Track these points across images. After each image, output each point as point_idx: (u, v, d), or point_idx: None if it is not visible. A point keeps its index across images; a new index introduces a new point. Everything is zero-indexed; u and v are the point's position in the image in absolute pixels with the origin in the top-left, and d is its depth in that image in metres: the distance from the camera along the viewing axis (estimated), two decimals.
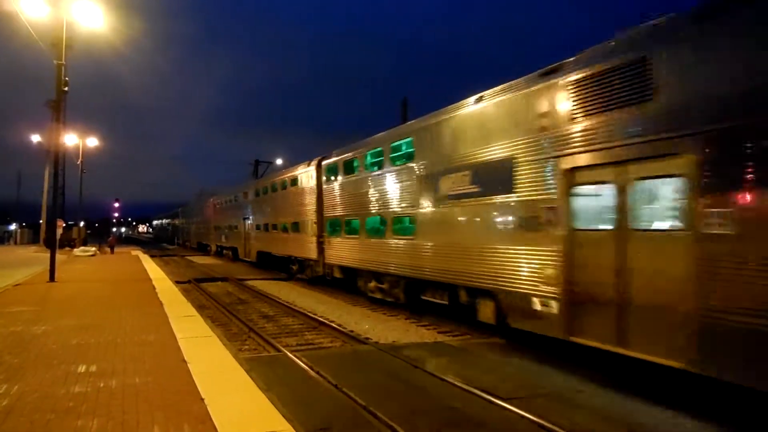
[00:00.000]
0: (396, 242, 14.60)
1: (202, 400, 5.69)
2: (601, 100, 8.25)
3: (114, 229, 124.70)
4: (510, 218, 10.25)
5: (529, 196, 9.68)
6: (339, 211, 18.79)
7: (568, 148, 8.83)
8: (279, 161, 53.88)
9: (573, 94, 8.79)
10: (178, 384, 6.29)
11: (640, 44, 7.78)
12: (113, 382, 6.33)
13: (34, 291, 15.28)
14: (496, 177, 10.54)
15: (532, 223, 9.57)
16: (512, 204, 10.12)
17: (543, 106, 9.47)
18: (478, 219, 11.24)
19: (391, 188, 15.05)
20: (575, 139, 8.70)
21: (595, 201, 8.68)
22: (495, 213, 10.64)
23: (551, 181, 9.16)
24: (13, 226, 72.78)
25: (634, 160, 7.69)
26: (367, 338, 11.74)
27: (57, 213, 28.74)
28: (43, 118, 56.81)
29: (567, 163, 8.83)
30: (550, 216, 9.17)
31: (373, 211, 16.09)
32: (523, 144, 9.88)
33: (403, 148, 14.64)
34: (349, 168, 18.19)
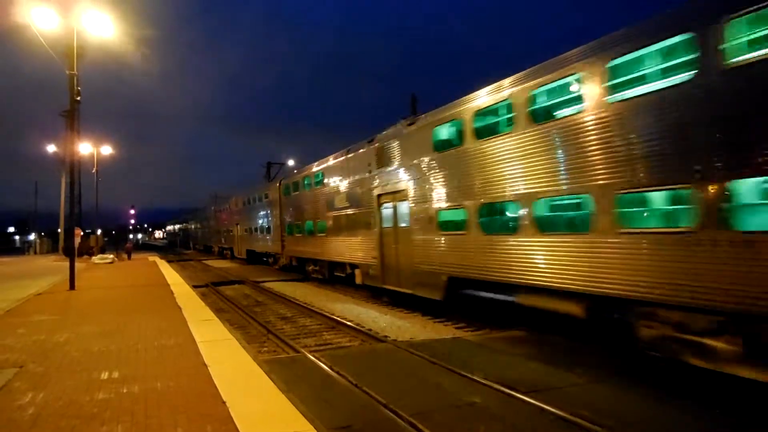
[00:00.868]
0: (320, 238, 21.80)
1: (224, 402, 5.74)
2: (386, 159, 15.68)
3: (131, 236, 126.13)
4: (360, 221, 17.62)
5: (367, 209, 17.07)
6: (292, 218, 26.38)
7: (376, 184, 16.31)
8: (291, 162, 54.10)
9: (377, 155, 16.30)
10: (200, 387, 6.35)
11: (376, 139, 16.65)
12: (135, 388, 6.41)
13: (55, 300, 15.51)
14: (355, 199, 18.10)
15: (368, 224, 16.96)
16: (361, 213, 17.57)
17: (368, 159, 17.04)
18: (350, 222, 18.58)
19: (313, 202, 22.88)
20: (378, 179, 16.26)
21: (388, 212, 15.77)
22: (355, 219, 18.08)
23: (373, 202, 16.48)
24: (32, 236, 73.87)
25: (393, 192, 15.23)
26: (385, 336, 11.75)
27: (74, 222, 29.13)
28: (57, 128, 57.65)
29: (377, 192, 16.31)
30: (373, 220, 16.53)
31: (308, 218, 23.71)
32: (361, 180, 17.57)
33: (319, 176, 22.20)
34: (295, 187, 26.01)
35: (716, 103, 6.75)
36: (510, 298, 10.80)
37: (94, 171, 44.89)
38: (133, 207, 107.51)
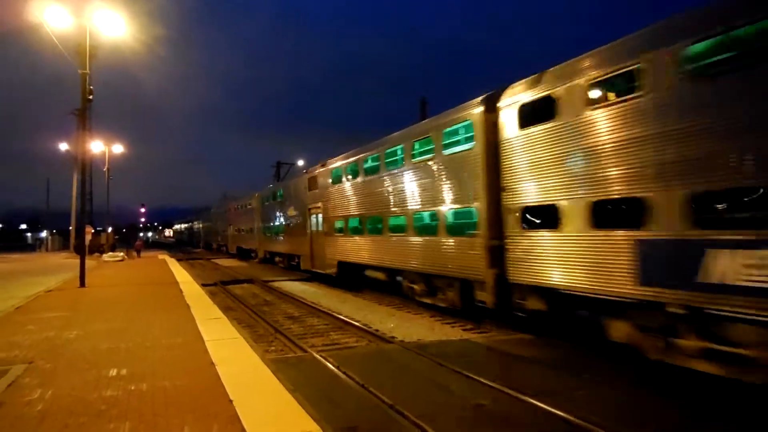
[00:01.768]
0: (280, 238, 30.80)
1: (231, 401, 5.74)
2: (312, 185, 23.90)
3: (141, 234, 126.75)
4: (301, 226, 25.64)
5: (304, 219, 25.17)
6: (265, 222, 35.19)
7: (308, 202, 24.46)
8: (300, 162, 54.30)
9: (309, 182, 24.46)
10: (207, 386, 6.37)
11: (308, 171, 26.47)
12: (143, 386, 6.43)
13: (65, 297, 15.63)
14: (298, 211, 26.52)
15: (305, 228, 24.99)
16: (302, 221, 25.69)
17: (304, 184, 25.33)
18: (297, 227, 26.83)
19: (276, 211, 32.02)
20: (309, 198, 24.41)
21: (314, 220, 23.61)
22: (299, 225, 26.19)
23: (306, 213, 24.62)
24: (44, 234, 74.45)
25: (315, 207, 23.42)
26: (393, 337, 11.73)
27: (86, 220, 29.34)
28: (69, 126, 58.07)
29: (308, 206, 24.45)
30: (307, 226, 24.58)
31: (273, 222, 32.54)
32: (302, 198, 25.73)
33: (280, 192, 31.39)
34: (266, 199, 35.40)
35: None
36: (364, 272, 19.04)
37: (105, 169, 45.18)
38: (143, 205, 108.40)
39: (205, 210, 72.73)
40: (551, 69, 10.27)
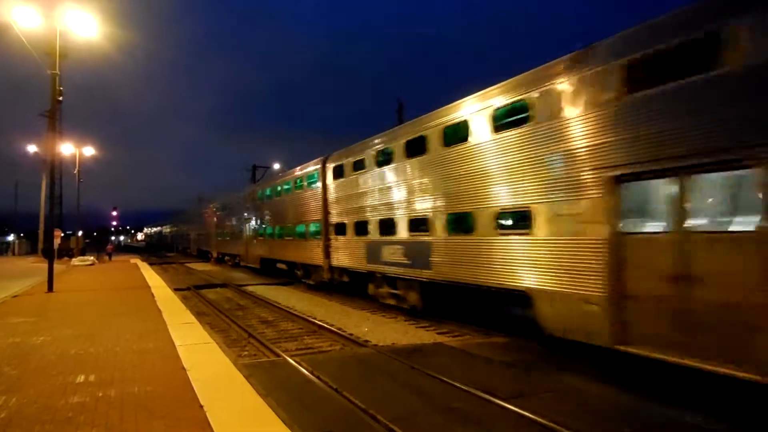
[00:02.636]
0: (228, 241, 37.23)
1: (201, 407, 5.69)
2: (248, 200, 31.72)
3: (113, 238, 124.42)
4: (240, 232, 33.09)
5: (241, 226, 33.07)
6: (218, 229, 41.16)
7: (245, 212, 32.28)
8: (276, 165, 54.01)
9: (246, 196, 32.40)
10: (177, 391, 6.30)
11: (247, 188, 35.80)
12: (112, 392, 6.33)
13: (32, 302, 15.28)
14: (238, 220, 33.72)
15: (241, 233, 32.61)
16: (240, 228, 33.23)
17: (243, 199, 32.62)
18: (237, 232, 34.07)
19: (225, 219, 38.52)
20: (245, 210, 32.17)
21: (247, 226, 31.65)
22: (239, 231, 33.35)
23: (243, 222, 32.55)
24: (11, 237, 72.57)
25: (248, 218, 31.71)
26: (367, 341, 11.74)
27: (54, 223, 28.72)
28: (39, 128, 56.77)
29: (244, 216, 32.31)
30: (244, 232, 32.19)
31: (223, 229, 38.93)
32: (240, 210, 33.27)
33: (226, 206, 38.38)
34: (217, 210, 41.41)
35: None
36: (278, 264, 26.91)
37: (76, 172, 44.31)
38: (115, 208, 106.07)
39: (172, 215, 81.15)
40: (344, 149, 18.48)
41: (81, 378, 6.98)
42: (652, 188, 7.76)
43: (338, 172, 18.40)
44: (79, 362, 7.87)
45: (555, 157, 9.02)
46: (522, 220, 10.02)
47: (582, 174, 8.44)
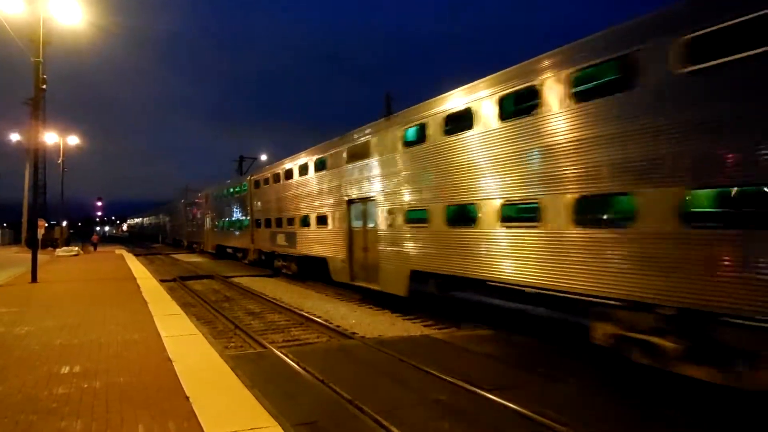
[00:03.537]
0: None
1: (187, 398, 5.69)
2: (206, 199, 40.02)
3: (98, 228, 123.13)
4: (202, 226, 41.26)
5: (204, 219, 40.67)
6: (187, 220, 47.77)
7: (205, 209, 40.05)
8: (264, 157, 53.85)
9: (205, 197, 40.16)
10: (163, 383, 6.28)
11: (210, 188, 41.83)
12: (97, 383, 6.30)
13: (15, 292, 15.12)
14: (202, 215, 41.42)
15: (203, 227, 40.66)
16: (202, 221, 41.17)
17: (204, 198, 40.81)
18: (201, 225, 41.73)
19: (190, 215, 46.68)
20: (205, 207, 40.12)
21: (207, 221, 39.37)
22: (201, 224, 41.57)
23: (205, 216, 40.25)
24: None
25: (216, 214, 37.29)
26: (354, 333, 11.78)
27: (38, 213, 28.38)
28: (22, 116, 55.83)
29: (205, 211, 39.77)
30: (205, 224, 40.12)
31: (191, 221, 45.97)
32: (204, 206, 40.37)
33: (194, 202, 45.63)
34: (188, 205, 47.00)
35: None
36: (226, 250, 34.42)
37: (60, 161, 43.78)
38: (100, 198, 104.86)
39: (153, 207, 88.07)
40: (257, 168, 31.50)
41: (66, 369, 6.93)
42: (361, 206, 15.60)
43: (256, 185, 27.06)
44: (63, 353, 7.81)
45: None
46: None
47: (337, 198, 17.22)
